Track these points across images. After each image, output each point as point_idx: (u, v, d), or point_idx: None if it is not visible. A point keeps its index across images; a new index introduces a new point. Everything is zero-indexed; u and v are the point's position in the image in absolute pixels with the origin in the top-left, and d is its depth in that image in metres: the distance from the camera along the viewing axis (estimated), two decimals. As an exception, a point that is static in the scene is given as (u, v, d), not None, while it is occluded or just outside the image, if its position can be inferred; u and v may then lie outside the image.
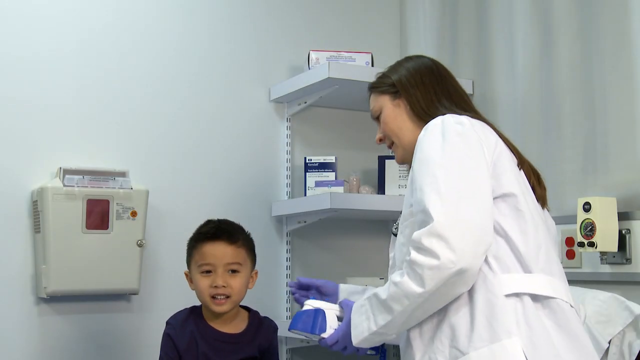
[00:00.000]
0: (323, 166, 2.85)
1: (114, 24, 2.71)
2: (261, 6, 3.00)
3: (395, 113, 1.86)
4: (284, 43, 3.02)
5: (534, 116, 2.62)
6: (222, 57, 2.90)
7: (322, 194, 2.67)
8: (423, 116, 1.79)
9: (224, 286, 2.05)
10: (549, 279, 1.60)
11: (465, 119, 1.68)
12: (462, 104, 1.83)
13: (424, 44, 3.14)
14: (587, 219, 2.26)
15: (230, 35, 2.92)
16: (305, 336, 1.89)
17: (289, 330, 1.91)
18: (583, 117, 2.45)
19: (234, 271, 2.09)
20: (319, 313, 1.85)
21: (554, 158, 2.53)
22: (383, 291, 1.62)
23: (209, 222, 2.17)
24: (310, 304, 1.90)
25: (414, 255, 1.53)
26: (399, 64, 1.92)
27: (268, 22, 3.00)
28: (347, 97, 2.91)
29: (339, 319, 1.86)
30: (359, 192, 2.87)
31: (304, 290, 2.16)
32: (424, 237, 1.51)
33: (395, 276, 1.59)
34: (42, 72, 2.58)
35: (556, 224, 2.45)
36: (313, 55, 2.85)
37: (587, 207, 2.27)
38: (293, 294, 2.16)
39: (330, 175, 2.83)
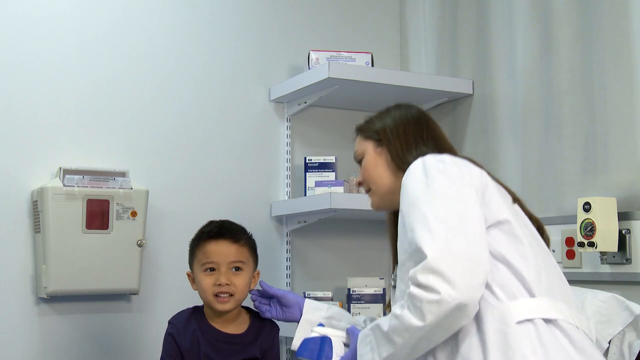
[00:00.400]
0: (323, 166, 2.85)
1: (114, 25, 2.71)
2: (261, 6, 3.00)
3: (376, 160, 1.88)
4: (284, 43, 3.02)
5: (534, 116, 2.62)
6: (223, 57, 2.90)
7: (322, 194, 2.67)
8: (402, 166, 1.80)
9: (227, 284, 2.06)
10: (553, 302, 1.60)
11: (446, 156, 1.70)
12: (445, 152, 1.82)
13: (424, 44, 3.14)
14: (587, 219, 2.26)
15: (230, 36, 2.92)
16: None
17: (296, 356, 1.92)
18: (583, 117, 2.45)
19: (237, 269, 2.10)
20: (325, 341, 1.87)
21: (554, 158, 2.53)
22: (385, 322, 1.62)
23: (211, 222, 2.18)
24: (317, 330, 1.92)
25: (413, 289, 1.52)
26: (387, 111, 1.94)
27: (268, 22, 3.00)
28: (347, 97, 2.92)
29: (346, 344, 1.87)
30: (359, 192, 2.87)
31: (265, 298, 2.18)
32: (419, 274, 1.51)
33: (396, 308, 1.58)
34: (42, 73, 2.58)
35: (556, 224, 2.47)
36: (313, 55, 2.85)
37: (587, 207, 2.27)
38: (253, 300, 2.18)
39: (330, 175, 2.83)
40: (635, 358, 2.05)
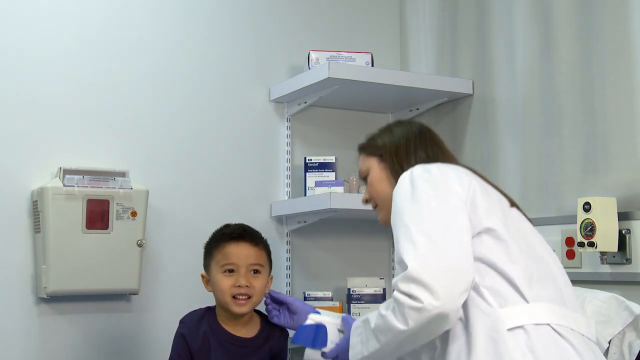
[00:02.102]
0: (323, 166, 2.85)
1: (115, 24, 2.71)
2: (261, 6, 3.00)
3: (381, 176, 1.90)
4: (284, 43, 3.02)
5: (534, 116, 2.62)
6: (222, 57, 2.90)
7: (322, 194, 2.67)
8: None
9: (247, 286, 2.07)
10: (548, 306, 1.60)
11: (433, 167, 1.71)
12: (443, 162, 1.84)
13: (424, 44, 3.14)
14: (587, 219, 2.26)
15: (230, 35, 2.92)
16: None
17: (291, 342, 1.95)
18: (583, 117, 2.45)
19: (255, 272, 2.11)
20: (320, 328, 1.90)
21: (554, 158, 2.53)
22: (372, 319, 1.65)
23: (228, 225, 2.20)
24: (313, 318, 1.93)
25: (397, 295, 1.54)
26: (388, 128, 1.96)
27: (268, 22, 3.00)
28: (347, 97, 2.92)
29: (341, 331, 1.89)
30: (359, 192, 2.87)
31: (277, 304, 2.21)
32: (400, 283, 1.53)
33: (382, 307, 1.61)
34: (42, 72, 2.58)
35: (556, 224, 2.47)
36: (313, 55, 2.85)
37: (587, 207, 2.27)
38: (267, 304, 2.21)
39: (330, 175, 2.83)
40: (635, 358, 2.05)
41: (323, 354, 1.88)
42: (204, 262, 2.18)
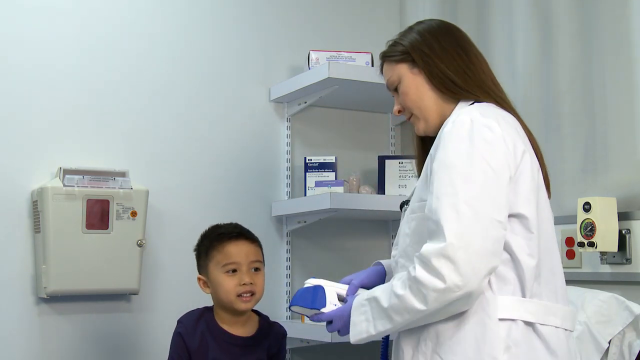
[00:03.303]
0: (323, 166, 2.85)
1: (114, 24, 2.71)
2: (261, 6, 3.00)
3: (416, 82, 1.74)
4: (284, 43, 3.02)
5: (534, 116, 2.62)
6: (223, 57, 2.90)
7: (322, 194, 2.67)
8: (444, 83, 1.72)
9: (251, 283, 2.07)
10: (543, 303, 1.59)
11: (494, 123, 1.59)
12: (483, 79, 1.76)
13: (424, 44, 3.14)
14: (587, 219, 2.26)
15: (230, 36, 2.92)
16: (305, 314, 1.86)
17: (289, 307, 1.88)
18: (583, 117, 2.45)
19: (256, 269, 2.12)
20: (317, 289, 1.83)
21: (554, 158, 2.53)
22: (384, 298, 1.59)
23: (218, 226, 2.18)
24: (311, 282, 1.87)
25: (420, 272, 1.50)
26: (410, 29, 1.81)
27: (268, 22, 3.00)
28: (347, 97, 2.92)
29: (340, 297, 1.84)
30: (358, 192, 2.87)
31: None
32: (434, 257, 1.49)
33: (397, 287, 1.57)
34: (42, 72, 2.58)
35: (556, 224, 2.45)
36: (313, 55, 2.85)
37: (587, 207, 2.27)
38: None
39: (330, 175, 2.83)
40: (635, 358, 2.05)
41: (318, 315, 1.79)
42: (200, 264, 2.16)
